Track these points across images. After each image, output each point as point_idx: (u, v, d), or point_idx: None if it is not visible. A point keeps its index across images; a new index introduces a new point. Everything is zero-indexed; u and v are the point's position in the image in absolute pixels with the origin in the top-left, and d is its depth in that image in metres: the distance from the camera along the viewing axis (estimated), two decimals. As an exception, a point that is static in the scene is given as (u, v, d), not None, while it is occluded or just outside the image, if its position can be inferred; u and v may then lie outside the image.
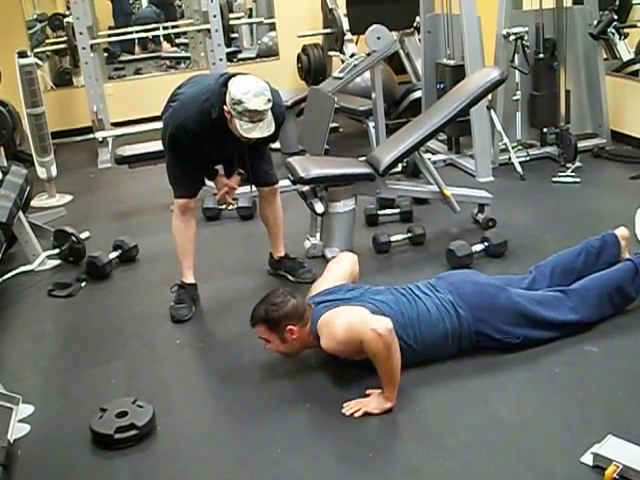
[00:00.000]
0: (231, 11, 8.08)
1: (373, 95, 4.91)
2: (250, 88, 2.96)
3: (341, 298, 2.77)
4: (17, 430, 2.53)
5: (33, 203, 4.74)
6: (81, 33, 6.11)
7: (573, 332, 2.84)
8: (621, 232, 3.20)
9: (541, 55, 5.04)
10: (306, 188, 3.71)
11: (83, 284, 3.81)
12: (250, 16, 8.71)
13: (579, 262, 3.05)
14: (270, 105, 3.00)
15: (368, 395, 2.56)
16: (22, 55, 4.89)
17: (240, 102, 2.94)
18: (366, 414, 2.49)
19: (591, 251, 3.08)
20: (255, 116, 2.96)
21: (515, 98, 5.09)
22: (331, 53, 6.71)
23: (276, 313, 2.70)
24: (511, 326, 2.76)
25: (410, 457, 2.31)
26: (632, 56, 5.52)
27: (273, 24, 7.75)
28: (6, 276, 3.90)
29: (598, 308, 2.89)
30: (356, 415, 2.48)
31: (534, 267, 3.09)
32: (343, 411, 2.51)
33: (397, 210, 4.30)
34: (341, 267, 3.08)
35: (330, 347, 2.63)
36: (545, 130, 5.13)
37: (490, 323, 2.74)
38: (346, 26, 6.57)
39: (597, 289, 2.90)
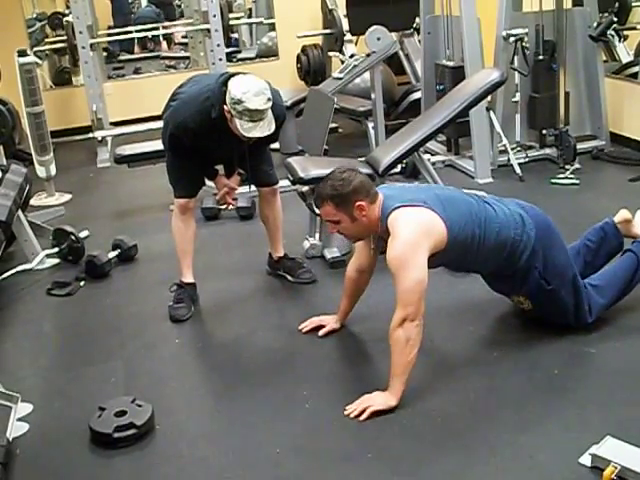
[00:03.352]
0: (231, 11, 8.08)
1: (373, 96, 4.90)
2: (250, 87, 2.96)
3: (413, 198, 2.62)
4: (16, 429, 2.53)
5: (32, 202, 4.74)
6: (81, 32, 6.12)
7: (574, 331, 2.85)
8: (620, 217, 3.12)
9: (541, 57, 5.04)
10: (305, 188, 3.70)
11: (82, 283, 3.81)
12: (250, 16, 8.70)
13: (578, 265, 2.99)
14: (270, 104, 3.00)
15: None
16: (22, 54, 4.89)
17: (240, 101, 2.94)
18: (371, 414, 2.46)
19: (590, 247, 3.06)
20: (255, 115, 2.96)
21: (514, 100, 5.09)
22: (331, 54, 6.71)
23: (345, 188, 2.59)
24: (556, 270, 2.77)
25: (410, 458, 2.31)
26: (631, 58, 5.52)
27: (273, 24, 7.74)
28: (5, 275, 3.91)
29: (609, 306, 2.92)
30: (361, 418, 2.46)
31: None
32: (346, 413, 2.49)
33: (396, 211, 4.28)
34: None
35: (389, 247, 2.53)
36: (544, 132, 5.13)
37: (544, 252, 2.75)
38: (346, 27, 6.57)
39: (610, 294, 2.90)
